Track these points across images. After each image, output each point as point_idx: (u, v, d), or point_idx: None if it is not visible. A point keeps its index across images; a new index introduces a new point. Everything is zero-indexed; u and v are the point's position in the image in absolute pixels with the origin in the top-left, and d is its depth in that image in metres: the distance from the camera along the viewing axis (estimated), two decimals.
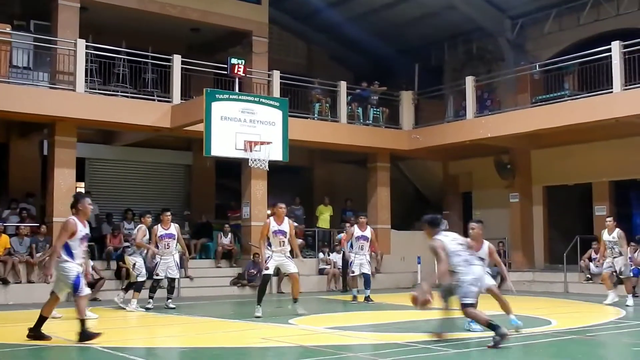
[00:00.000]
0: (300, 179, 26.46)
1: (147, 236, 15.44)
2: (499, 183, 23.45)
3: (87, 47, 18.64)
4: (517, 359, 9.85)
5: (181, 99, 19.39)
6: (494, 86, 23.27)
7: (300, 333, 11.76)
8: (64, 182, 18.44)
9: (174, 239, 15.54)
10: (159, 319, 14.02)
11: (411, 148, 23.52)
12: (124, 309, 15.03)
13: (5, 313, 14.99)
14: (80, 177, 21.22)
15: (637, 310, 15.16)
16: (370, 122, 23.43)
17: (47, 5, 19.28)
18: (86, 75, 18.59)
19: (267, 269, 13.86)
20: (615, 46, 18.62)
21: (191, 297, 18.74)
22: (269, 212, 22.04)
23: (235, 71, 17.98)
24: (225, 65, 18.37)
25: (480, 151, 23.01)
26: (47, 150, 19.43)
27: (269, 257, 13.84)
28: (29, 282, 17.69)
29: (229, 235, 21.54)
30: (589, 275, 20.03)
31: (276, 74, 21.30)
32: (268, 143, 17.51)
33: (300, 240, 20.75)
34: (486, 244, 11.36)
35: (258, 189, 21.30)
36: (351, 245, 17.66)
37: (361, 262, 17.25)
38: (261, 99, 18.25)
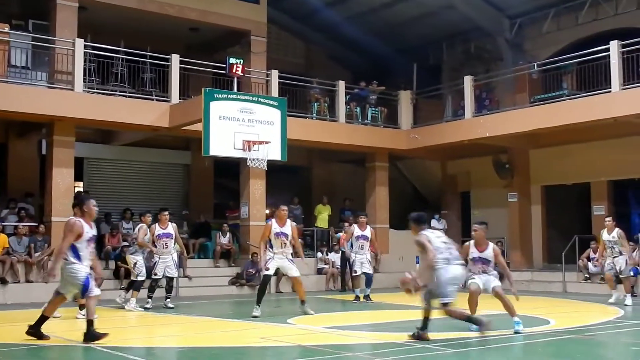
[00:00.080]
0: (298, 179, 26.46)
1: (148, 235, 15.46)
2: (498, 183, 23.46)
3: (85, 46, 18.64)
4: (515, 359, 9.86)
5: (180, 99, 19.39)
6: (493, 86, 23.27)
7: (298, 332, 11.76)
8: (63, 181, 18.44)
9: (172, 238, 15.55)
10: (157, 319, 14.02)
11: (410, 148, 23.53)
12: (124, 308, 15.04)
13: (3, 313, 14.99)
14: (78, 177, 21.20)
15: (635, 310, 15.18)
16: (369, 121, 23.44)
17: (45, 5, 19.27)
18: (84, 75, 18.59)
19: (267, 269, 13.86)
20: (614, 46, 18.63)
21: (190, 297, 18.74)
22: (267, 211, 22.08)
23: (234, 71, 17.97)
24: (224, 65, 18.36)
25: (479, 151, 23.02)
26: (46, 150, 19.42)
27: (270, 258, 13.83)
28: (28, 281, 17.70)
29: (228, 234, 21.54)
30: (587, 275, 20.05)
31: (275, 74, 21.30)
32: (266, 142, 17.49)
33: (299, 240, 20.74)
34: (491, 246, 11.30)
35: (256, 189, 21.30)
36: (351, 245, 17.67)
37: (362, 262, 17.27)
38: (260, 99, 18.24)
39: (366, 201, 23.96)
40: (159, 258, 15.40)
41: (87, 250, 10.21)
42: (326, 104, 22.74)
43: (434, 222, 24.66)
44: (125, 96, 19.52)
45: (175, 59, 19.53)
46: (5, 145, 21.11)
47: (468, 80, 22.20)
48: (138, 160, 23.46)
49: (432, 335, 10.30)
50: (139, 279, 15.42)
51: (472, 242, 11.41)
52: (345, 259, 20.21)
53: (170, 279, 15.78)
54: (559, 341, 10.75)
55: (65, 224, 10.20)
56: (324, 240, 23.36)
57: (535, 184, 23.26)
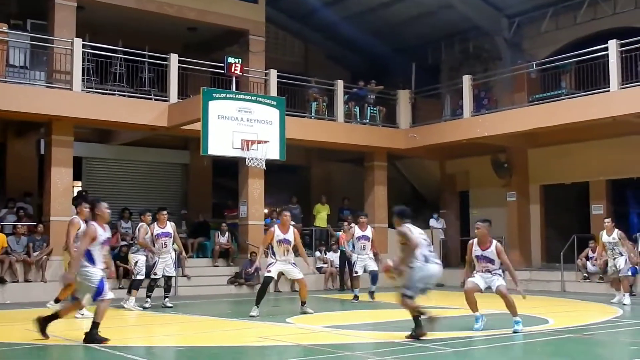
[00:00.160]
0: (297, 178, 26.46)
1: (149, 234, 15.47)
2: (496, 182, 23.46)
3: (84, 46, 18.62)
4: (514, 358, 9.87)
5: (178, 98, 19.38)
6: (491, 85, 23.27)
7: (297, 332, 11.76)
8: (61, 181, 18.43)
9: (171, 237, 15.56)
10: (156, 318, 14.01)
11: (408, 147, 23.53)
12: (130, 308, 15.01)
13: (2, 312, 14.97)
14: (77, 176, 21.20)
15: (634, 309, 15.19)
16: (368, 121, 23.44)
17: (43, 5, 19.25)
18: (83, 74, 18.56)
19: (269, 272, 13.87)
20: (612, 45, 18.63)
21: (188, 296, 18.73)
22: (266, 211, 22.10)
23: (232, 70, 17.95)
24: (222, 64, 18.34)
25: (477, 150, 23.02)
26: (44, 150, 19.40)
27: (271, 263, 13.85)
28: (26, 281, 17.69)
29: (227, 234, 21.54)
30: (586, 274, 20.05)
31: (273, 73, 21.30)
32: (265, 142, 17.49)
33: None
34: (494, 244, 11.22)
35: (255, 188, 21.30)
36: (353, 246, 17.66)
37: (365, 262, 17.28)
38: (258, 98, 18.23)
39: (365, 200, 23.96)
40: (159, 258, 15.41)
41: (100, 253, 10.22)
42: (325, 104, 22.74)
43: (432, 222, 24.71)
44: (124, 96, 19.51)
45: (173, 58, 19.52)
46: (3, 144, 21.10)
47: (467, 80, 22.20)
48: (137, 160, 23.45)
49: (431, 334, 10.30)
50: (138, 278, 15.43)
51: (475, 240, 11.38)
52: (344, 259, 20.21)
53: (168, 278, 15.78)
54: (558, 340, 10.76)
55: (67, 223, 10.16)
56: (322, 240, 23.36)
57: (534, 183, 23.26)
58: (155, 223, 15.57)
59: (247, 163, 17.83)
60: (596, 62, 19.41)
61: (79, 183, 22.35)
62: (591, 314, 14.60)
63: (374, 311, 15.30)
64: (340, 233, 21.36)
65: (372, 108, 23.56)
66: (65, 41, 18.58)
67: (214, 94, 17.31)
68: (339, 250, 21.02)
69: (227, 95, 17.53)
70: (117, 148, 22.44)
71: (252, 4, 22.24)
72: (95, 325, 9.94)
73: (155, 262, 15.46)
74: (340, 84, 22.85)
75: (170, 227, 15.61)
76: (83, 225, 13.45)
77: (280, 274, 14.39)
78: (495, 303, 11.43)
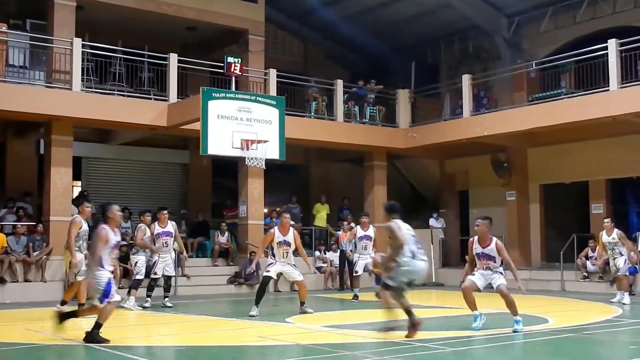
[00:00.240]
0: (296, 178, 26.46)
1: (148, 234, 15.47)
2: (496, 181, 23.46)
3: (83, 46, 18.62)
4: (514, 357, 9.87)
5: (178, 98, 19.37)
6: (491, 84, 23.27)
7: (297, 331, 11.76)
8: (61, 181, 18.43)
9: (171, 237, 15.56)
10: (156, 318, 14.01)
11: (408, 146, 23.53)
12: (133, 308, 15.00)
13: (2, 312, 14.95)
14: (76, 176, 21.20)
15: (634, 309, 15.19)
16: (367, 120, 23.43)
17: (43, 4, 19.25)
18: (82, 74, 18.56)
19: (268, 271, 13.87)
20: (612, 44, 18.62)
21: (188, 296, 18.72)
22: (265, 210, 22.10)
23: (232, 70, 17.94)
24: (222, 64, 18.33)
25: (477, 149, 23.02)
26: (44, 149, 19.39)
27: (271, 263, 13.88)
28: (26, 281, 17.68)
29: (226, 233, 21.53)
30: (585, 274, 20.04)
31: (273, 73, 21.29)
32: (265, 141, 17.48)
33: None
34: (494, 241, 11.17)
35: (255, 188, 21.29)
36: (355, 246, 17.65)
37: (367, 262, 17.24)
38: (258, 98, 18.23)
39: (364, 200, 23.95)
40: (159, 257, 15.41)
41: (109, 257, 10.23)
42: (324, 103, 22.73)
43: (432, 221, 24.70)
44: (123, 95, 19.50)
45: (173, 58, 19.52)
46: (3, 144, 21.10)
47: (466, 79, 22.19)
48: (136, 160, 23.46)
49: (430, 334, 10.32)
50: (137, 277, 15.44)
51: (475, 237, 11.37)
52: (343, 258, 20.21)
53: (168, 278, 15.79)
54: (558, 340, 10.76)
55: (68, 223, 10.15)
56: (322, 239, 23.36)
57: (534, 182, 23.26)
58: (156, 222, 15.57)
59: (246, 163, 17.83)
60: (596, 61, 19.40)
61: (79, 183, 22.35)
62: (591, 314, 14.60)
63: (373, 311, 15.26)
64: (339, 232, 21.37)
65: (371, 107, 23.56)
66: (64, 41, 18.57)
67: (213, 94, 17.31)
68: (339, 250, 21.02)
69: (227, 95, 17.53)
70: (116, 148, 22.45)
71: (252, 3, 22.23)
72: (97, 325, 9.93)
73: (155, 262, 15.46)
74: (339, 84, 22.84)
75: (171, 226, 15.62)
76: (84, 225, 13.49)
77: (280, 274, 14.37)
78: (495, 302, 11.43)
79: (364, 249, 17.35)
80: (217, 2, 21.52)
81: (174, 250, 16.04)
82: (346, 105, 23.00)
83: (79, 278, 13.46)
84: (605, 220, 16.82)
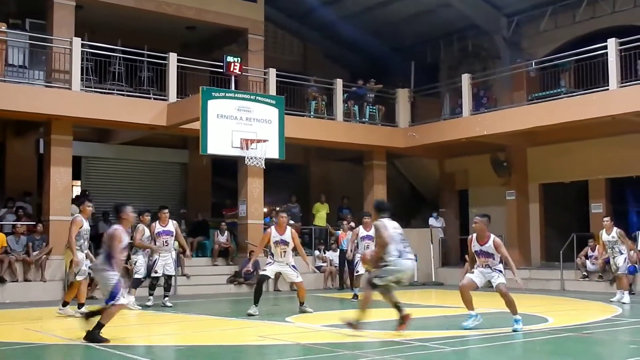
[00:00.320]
0: (296, 177, 26.46)
1: (147, 234, 15.46)
2: (495, 181, 23.46)
3: (82, 45, 18.62)
4: (514, 357, 9.87)
5: (177, 97, 19.37)
6: (490, 84, 23.26)
7: (297, 331, 11.77)
8: (60, 180, 18.42)
9: (172, 236, 15.57)
10: (155, 317, 14.01)
11: (407, 146, 23.53)
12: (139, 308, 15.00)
13: (2, 311, 14.95)
14: (76, 176, 21.20)
15: (633, 308, 15.20)
16: (367, 119, 23.43)
17: (42, 4, 19.24)
18: (82, 74, 18.55)
19: (264, 270, 13.87)
20: (611, 43, 18.62)
21: (188, 295, 18.72)
22: (265, 210, 22.10)
23: (231, 69, 17.95)
24: (221, 63, 18.35)
25: (477, 149, 23.02)
26: (43, 149, 19.38)
27: (269, 263, 13.88)
28: (26, 280, 17.68)
29: (226, 233, 21.53)
30: (585, 273, 20.04)
31: (272, 72, 21.29)
32: (264, 141, 17.48)
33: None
34: (491, 238, 11.14)
35: (254, 187, 21.29)
36: (357, 246, 17.63)
37: None
38: (257, 97, 18.24)
39: (364, 200, 23.94)
40: (159, 256, 15.41)
41: (120, 257, 10.27)
42: (324, 102, 22.73)
43: (432, 220, 24.71)
44: (123, 95, 19.49)
45: (172, 57, 19.51)
46: (2, 144, 21.10)
47: (466, 79, 22.19)
48: (136, 159, 23.47)
49: (430, 333, 10.32)
50: (137, 276, 15.44)
51: (474, 235, 11.37)
52: (343, 258, 20.19)
53: (168, 277, 15.79)
54: (557, 339, 10.76)
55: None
56: (322, 239, 23.35)
57: (533, 182, 23.26)
58: (157, 221, 15.57)
59: (246, 162, 17.84)
60: (595, 60, 19.41)
61: (78, 182, 22.36)
62: (590, 313, 14.60)
63: (373, 310, 15.28)
64: (339, 232, 21.36)
65: (371, 107, 23.56)
66: (64, 40, 18.57)
67: (213, 93, 17.32)
68: (339, 249, 21.01)
69: (226, 95, 17.53)
70: (116, 147, 22.45)
71: (251, 2, 22.22)
72: (99, 325, 9.92)
73: (155, 260, 15.46)
74: (339, 83, 22.84)
75: (172, 225, 15.62)
76: (85, 224, 13.49)
77: (279, 273, 14.34)
78: (495, 302, 11.43)
79: (366, 248, 17.16)
80: (216, 2, 21.51)
81: (174, 249, 16.05)
82: (346, 105, 23.00)
83: (79, 278, 13.46)
84: (605, 218, 16.85)
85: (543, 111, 20.01)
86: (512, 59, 22.90)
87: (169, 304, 15.39)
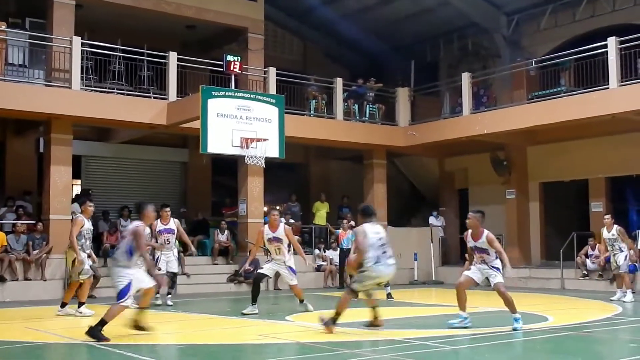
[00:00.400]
0: (296, 176, 26.46)
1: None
2: (495, 179, 23.46)
3: (82, 44, 18.62)
4: (514, 355, 9.87)
5: (177, 96, 19.36)
6: (490, 82, 23.26)
7: (297, 330, 11.78)
8: (60, 179, 18.42)
9: (174, 234, 15.57)
10: (155, 316, 13.96)
11: (407, 145, 23.52)
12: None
13: (2, 310, 14.95)
14: (76, 175, 21.19)
15: (635, 307, 15.21)
16: (367, 118, 23.44)
17: (42, 3, 19.23)
18: (82, 73, 18.55)
19: (261, 268, 13.86)
20: (611, 42, 18.62)
21: (188, 294, 18.71)
22: (265, 209, 22.08)
23: (231, 68, 17.96)
24: (221, 62, 18.36)
25: (476, 148, 23.02)
26: (43, 148, 19.38)
27: (267, 261, 13.91)
28: (26, 279, 17.68)
29: (226, 232, 21.54)
30: (585, 272, 20.03)
31: (272, 71, 21.28)
32: (264, 140, 17.48)
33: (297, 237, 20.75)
34: (485, 233, 11.12)
35: (255, 186, 21.29)
36: None
37: None
38: (257, 96, 18.24)
39: (364, 198, 23.92)
40: (161, 253, 15.42)
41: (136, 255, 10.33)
42: (324, 101, 22.74)
43: (432, 219, 24.72)
44: (123, 94, 19.48)
45: (172, 56, 19.51)
46: (2, 143, 21.10)
47: (466, 77, 22.18)
48: (136, 158, 23.47)
49: (430, 332, 10.32)
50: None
51: (469, 231, 11.37)
52: (343, 256, 20.18)
53: (173, 275, 15.79)
54: (557, 338, 10.76)
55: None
56: (322, 238, 23.35)
57: (533, 180, 23.27)
58: (158, 219, 15.57)
59: (246, 161, 17.84)
60: (595, 59, 19.41)
61: (79, 181, 22.36)
62: (591, 312, 14.60)
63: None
64: (339, 231, 21.35)
65: (371, 106, 23.55)
66: (64, 39, 18.57)
67: (213, 92, 17.32)
68: (339, 248, 21.01)
69: (226, 93, 17.54)
70: (116, 146, 22.44)
71: (251, 1, 22.21)
72: (102, 322, 9.93)
73: (157, 258, 15.45)
74: (339, 82, 22.84)
75: (173, 223, 15.63)
76: (87, 224, 13.48)
77: (278, 273, 14.31)
78: (495, 301, 11.42)
79: None
80: (216, 1, 21.49)
81: (176, 248, 16.06)
82: (346, 104, 23.00)
83: (82, 277, 13.46)
84: (606, 216, 16.90)
85: (543, 110, 20.00)
86: (512, 57, 22.90)
87: (169, 302, 15.38)
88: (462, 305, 11.23)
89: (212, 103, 17.03)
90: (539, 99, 20.74)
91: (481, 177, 24.39)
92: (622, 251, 16.43)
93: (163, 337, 10.64)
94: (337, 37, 26.25)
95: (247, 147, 17.32)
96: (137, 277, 10.18)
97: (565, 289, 19.96)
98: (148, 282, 10.43)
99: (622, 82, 18.54)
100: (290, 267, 13.77)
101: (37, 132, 19.99)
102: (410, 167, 27.35)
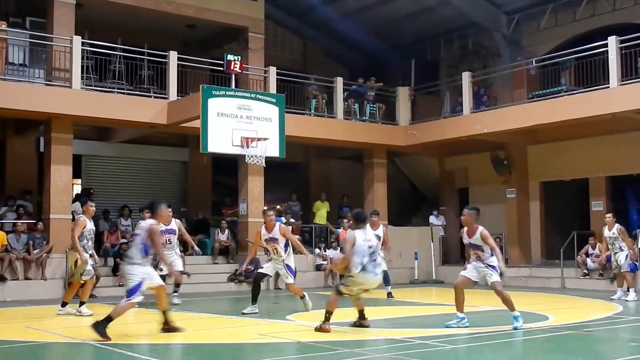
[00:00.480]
0: (296, 175, 26.46)
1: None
2: (496, 179, 23.45)
3: (82, 43, 18.62)
4: (514, 355, 9.87)
5: (177, 96, 19.36)
6: (490, 82, 23.27)
7: (297, 329, 11.77)
8: (61, 179, 18.43)
9: (175, 234, 15.57)
10: (155, 315, 13.92)
11: (407, 144, 23.52)
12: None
13: (2, 310, 14.95)
14: (76, 174, 21.19)
15: (638, 306, 15.20)
16: (367, 118, 23.44)
17: (42, 2, 19.25)
18: (82, 72, 18.56)
19: (261, 268, 13.85)
20: (612, 41, 18.61)
21: (188, 294, 18.63)
22: (265, 208, 22.07)
23: (232, 67, 17.96)
24: (222, 62, 18.36)
25: (477, 147, 23.02)
26: (44, 147, 19.39)
27: (267, 260, 13.91)
28: (26, 278, 17.67)
29: (226, 231, 21.53)
30: (585, 271, 20.03)
31: (272, 70, 21.28)
32: (265, 139, 17.48)
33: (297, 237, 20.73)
34: (479, 230, 11.10)
35: (255, 185, 21.29)
36: None
37: None
38: (257, 95, 18.25)
39: (364, 198, 23.94)
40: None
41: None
42: (324, 101, 22.73)
43: (432, 219, 24.72)
44: (123, 93, 19.48)
45: (172, 55, 19.51)
46: (3, 142, 21.10)
47: (466, 77, 22.18)
48: (136, 158, 23.46)
49: (431, 331, 10.31)
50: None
51: (465, 228, 11.37)
52: None
53: (179, 273, 15.75)
54: (558, 337, 10.76)
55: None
56: (322, 237, 23.35)
57: (534, 180, 23.26)
58: None
59: (246, 160, 17.84)
60: (596, 58, 19.41)
61: (79, 181, 22.35)
62: (591, 311, 14.60)
63: (372, 308, 15.26)
64: (339, 230, 21.34)
65: (371, 105, 23.55)
66: (64, 39, 18.57)
67: (213, 92, 17.33)
68: (339, 247, 20.99)
69: (227, 93, 17.54)
70: (116, 146, 22.44)
71: (251, 1, 22.23)
72: (108, 318, 9.97)
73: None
74: (339, 81, 22.83)
75: (174, 224, 15.63)
76: (89, 224, 13.48)
77: (278, 272, 14.31)
78: (495, 300, 11.42)
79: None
80: (216, 0, 21.50)
81: (178, 247, 16.07)
82: (346, 103, 23.00)
83: (85, 277, 13.46)
84: (607, 215, 16.95)
85: (543, 109, 20.00)
86: (512, 56, 22.89)
87: (176, 301, 15.37)
88: (459, 305, 11.22)
89: (212, 102, 17.03)
90: (540, 98, 20.74)
91: (481, 177, 24.38)
92: (622, 250, 16.43)
93: (163, 337, 10.63)
94: (338, 36, 26.24)
95: (248, 147, 17.32)
96: (149, 275, 10.26)
97: (566, 288, 19.96)
98: (158, 281, 10.61)
99: (622, 81, 18.54)
100: (288, 266, 13.73)
101: (38, 131, 20.00)
102: (410, 166, 27.35)
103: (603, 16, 21.60)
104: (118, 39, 19.93)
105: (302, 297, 13.85)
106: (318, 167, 26.87)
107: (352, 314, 11.35)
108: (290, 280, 13.80)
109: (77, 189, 22.09)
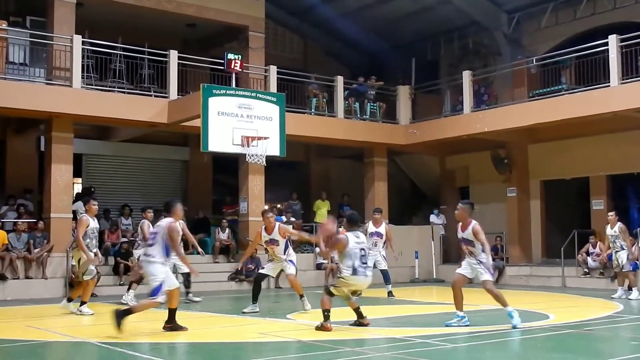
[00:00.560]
0: (297, 174, 26.46)
1: (151, 229, 15.43)
2: (496, 177, 23.44)
3: (83, 42, 18.63)
4: (515, 353, 9.87)
5: (178, 95, 19.37)
6: (491, 80, 23.27)
7: (298, 328, 11.78)
8: (61, 178, 18.44)
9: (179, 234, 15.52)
10: (155, 314, 13.95)
11: (408, 143, 23.52)
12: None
13: (3, 309, 14.96)
14: (77, 173, 21.20)
15: (638, 305, 15.19)
16: (367, 117, 23.43)
17: (43, 2, 19.25)
18: (82, 71, 18.57)
19: (262, 268, 13.86)
20: (612, 40, 18.61)
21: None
22: (266, 207, 22.08)
23: (232, 66, 17.96)
24: (222, 61, 18.36)
25: (477, 146, 23.01)
26: (44, 146, 19.41)
27: (269, 261, 13.94)
28: (27, 278, 17.69)
29: (227, 230, 21.52)
30: (586, 270, 20.02)
31: (273, 69, 21.28)
32: (265, 138, 17.49)
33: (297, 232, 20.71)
34: (471, 225, 11.09)
35: (255, 185, 21.29)
36: None
37: (376, 259, 16.81)
38: (258, 94, 18.25)
39: (365, 197, 23.94)
40: None
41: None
42: (325, 100, 22.73)
43: (433, 217, 24.71)
44: (124, 92, 19.48)
45: (173, 54, 19.51)
46: (3, 142, 21.11)
47: (467, 75, 22.18)
48: (136, 157, 23.46)
49: (431, 330, 10.31)
50: (141, 272, 15.42)
51: (460, 224, 11.35)
52: None
53: (188, 275, 15.71)
54: (558, 336, 10.77)
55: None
56: None
57: (534, 178, 23.25)
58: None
59: (247, 159, 17.85)
60: (596, 57, 19.40)
61: (79, 180, 22.35)
62: (592, 310, 14.60)
63: (373, 307, 15.26)
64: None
65: (372, 104, 23.54)
66: (64, 38, 18.58)
67: (213, 91, 17.33)
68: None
69: (227, 92, 17.55)
70: (117, 145, 22.43)
71: (252, 0, 22.21)
72: (129, 311, 10.16)
73: None
74: (340, 80, 22.83)
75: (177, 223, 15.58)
76: (92, 223, 13.47)
77: (279, 272, 14.30)
78: (492, 299, 11.40)
79: (374, 245, 16.90)
80: None
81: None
82: (346, 102, 22.99)
83: (86, 277, 13.45)
84: (610, 213, 16.96)
85: (544, 108, 19.99)
86: (512, 55, 22.88)
87: (195, 299, 15.48)
88: (458, 304, 11.21)
89: (212, 101, 17.03)
90: (540, 97, 20.74)
91: (482, 175, 24.37)
92: (623, 249, 16.43)
93: (164, 336, 10.63)
94: (338, 35, 26.23)
95: (248, 146, 17.32)
96: (168, 276, 10.48)
97: (566, 287, 19.96)
98: (175, 283, 10.79)
99: (623, 80, 18.53)
100: (291, 260, 13.81)
101: (38, 130, 20.00)
102: (411, 165, 27.33)
103: (603, 15, 21.60)
104: (118, 38, 19.93)
105: (302, 297, 13.84)
106: (318, 166, 26.87)
107: (352, 314, 11.34)
108: (292, 270, 13.78)
109: (78, 188, 22.10)
